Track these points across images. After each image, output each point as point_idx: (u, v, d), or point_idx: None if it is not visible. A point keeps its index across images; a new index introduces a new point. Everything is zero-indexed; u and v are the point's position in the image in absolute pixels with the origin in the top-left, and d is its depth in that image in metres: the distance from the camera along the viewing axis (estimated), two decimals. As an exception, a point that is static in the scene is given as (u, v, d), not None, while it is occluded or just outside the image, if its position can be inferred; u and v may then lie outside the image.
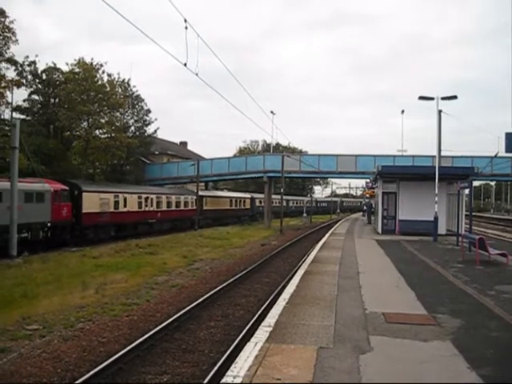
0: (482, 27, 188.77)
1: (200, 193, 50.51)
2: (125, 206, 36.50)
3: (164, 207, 42.78)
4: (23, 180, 25.85)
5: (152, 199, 40.76)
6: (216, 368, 8.45)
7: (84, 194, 31.99)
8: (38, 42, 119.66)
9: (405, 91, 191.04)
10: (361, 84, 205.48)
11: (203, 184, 57.05)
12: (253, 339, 7.47)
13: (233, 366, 6.30)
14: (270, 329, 7.98)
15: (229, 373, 6.03)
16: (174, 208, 44.63)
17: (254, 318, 11.82)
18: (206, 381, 7.91)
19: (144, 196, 39.56)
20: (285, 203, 75.08)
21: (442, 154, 31.65)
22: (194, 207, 47.59)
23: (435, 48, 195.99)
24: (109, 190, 35.72)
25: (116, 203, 35.47)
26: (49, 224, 27.63)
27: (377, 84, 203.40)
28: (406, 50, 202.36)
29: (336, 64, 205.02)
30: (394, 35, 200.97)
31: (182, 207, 46.04)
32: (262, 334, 7.72)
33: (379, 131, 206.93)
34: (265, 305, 13.38)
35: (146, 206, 39.68)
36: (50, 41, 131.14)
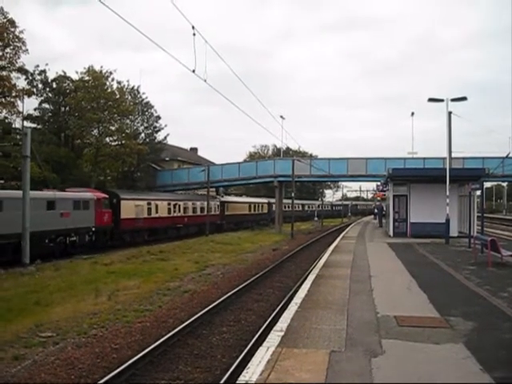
0: (491, 27, 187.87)
1: (222, 199, 53.93)
2: (156, 212, 39.51)
3: (190, 213, 45.75)
4: (71, 190, 31.16)
5: (180, 205, 43.92)
6: (229, 373, 8.47)
7: (122, 201, 35.26)
8: (50, 52, 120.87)
9: (416, 93, 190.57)
10: (371, 87, 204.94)
11: (214, 189, 57.22)
12: (265, 344, 7.48)
13: (245, 371, 6.32)
14: (282, 333, 7.99)
15: (241, 378, 6.05)
16: (198, 213, 47.26)
17: (266, 323, 11.83)
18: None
19: (173, 203, 42.84)
20: (301, 207, 79.12)
21: (453, 155, 31.60)
22: (218, 212, 51.33)
23: (445, 49, 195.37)
24: (143, 198, 39.17)
25: (149, 209, 38.55)
26: (93, 229, 30.75)
27: (387, 87, 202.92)
28: (417, 52, 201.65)
29: (346, 67, 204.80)
30: (403, 38, 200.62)
31: (205, 212, 47.77)
32: (274, 338, 7.73)
33: (390, 134, 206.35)
34: (277, 309, 13.37)
35: (175, 211, 42.75)
36: (63, 50, 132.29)
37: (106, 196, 33.24)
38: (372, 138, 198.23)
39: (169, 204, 42.11)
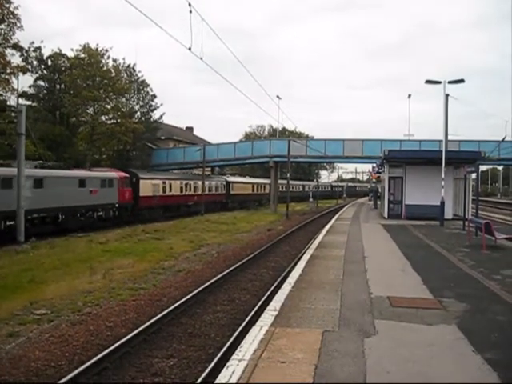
0: (496, 10, 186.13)
1: (228, 179, 58.04)
2: (170, 190, 42.86)
3: (199, 191, 48.01)
4: (98, 169, 35.17)
5: (190, 184, 47.37)
6: (222, 352, 8.51)
7: (141, 180, 38.51)
8: (48, 29, 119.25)
9: (414, 76, 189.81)
10: (369, 69, 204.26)
11: (209, 169, 57.25)
12: (258, 323, 7.51)
13: (238, 349, 6.34)
14: (276, 313, 8.01)
15: (234, 356, 6.07)
16: (207, 192, 49.71)
17: (260, 303, 11.88)
18: (211, 365, 7.96)
19: (184, 182, 46.36)
20: (301, 188, 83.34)
21: (449, 138, 31.49)
22: (224, 191, 55.12)
23: (447, 32, 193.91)
24: (158, 177, 42.51)
25: (164, 188, 41.82)
26: (117, 205, 34.06)
27: (387, 69, 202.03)
28: (418, 34, 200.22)
29: (345, 49, 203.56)
30: (404, 19, 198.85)
31: (213, 191, 52.19)
32: (267, 317, 7.75)
33: (389, 117, 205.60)
34: (271, 289, 13.42)
35: (186, 190, 46.12)
36: (60, 28, 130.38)
37: (127, 175, 36.36)
38: (370, 120, 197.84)
39: (181, 183, 45.32)
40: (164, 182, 42.00)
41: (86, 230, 28.36)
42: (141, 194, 37.90)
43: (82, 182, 30.45)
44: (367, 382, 5.27)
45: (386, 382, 5.32)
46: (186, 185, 46.00)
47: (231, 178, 60.27)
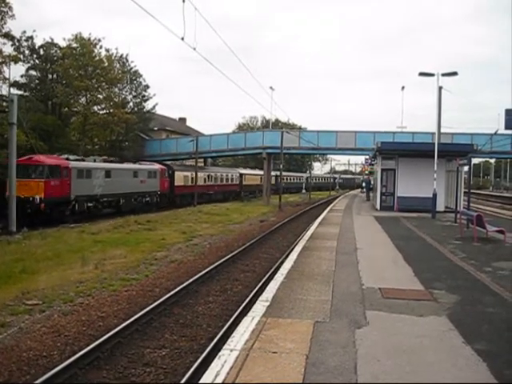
0: (496, 2, 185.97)
1: (240, 171, 65.09)
2: (196, 181, 48.57)
3: (218, 182, 56.10)
4: (145, 163, 41.96)
5: (212, 176, 54.39)
6: (214, 342, 8.54)
7: (176, 172, 46.20)
8: (44, 19, 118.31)
9: (415, 68, 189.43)
10: (366, 61, 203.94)
11: (202, 160, 57.18)
12: (250, 313, 7.53)
13: (230, 339, 6.36)
14: (268, 303, 8.03)
15: (226, 346, 6.09)
16: (224, 183, 57.87)
17: (252, 293, 11.91)
18: (203, 355, 7.99)
19: (207, 174, 53.53)
20: (304, 180, 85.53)
21: (443, 131, 31.57)
22: (238, 182, 61.92)
23: (446, 24, 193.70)
24: (188, 170, 49.56)
25: (192, 179, 48.37)
26: (159, 192, 41.14)
27: (383, 61, 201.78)
28: (416, 27, 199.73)
29: (343, 40, 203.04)
30: (403, 10, 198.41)
31: (229, 182, 59.41)
32: (259, 308, 7.77)
33: (387, 109, 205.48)
34: (263, 280, 13.45)
35: (208, 181, 52.85)
36: (56, 18, 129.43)
37: (165, 168, 43.53)
38: (365, 111, 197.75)
39: (204, 175, 52.22)
40: (192, 174, 48.25)
41: (137, 213, 33.55)
42: (176, 183, 45.33)
43: (136, 173, 37.57)
44: (358, 371, 5.30)
45: (376, 371, 5.35)
46: (208, 176, 52.90)
47: (243, 171, 66.65)
